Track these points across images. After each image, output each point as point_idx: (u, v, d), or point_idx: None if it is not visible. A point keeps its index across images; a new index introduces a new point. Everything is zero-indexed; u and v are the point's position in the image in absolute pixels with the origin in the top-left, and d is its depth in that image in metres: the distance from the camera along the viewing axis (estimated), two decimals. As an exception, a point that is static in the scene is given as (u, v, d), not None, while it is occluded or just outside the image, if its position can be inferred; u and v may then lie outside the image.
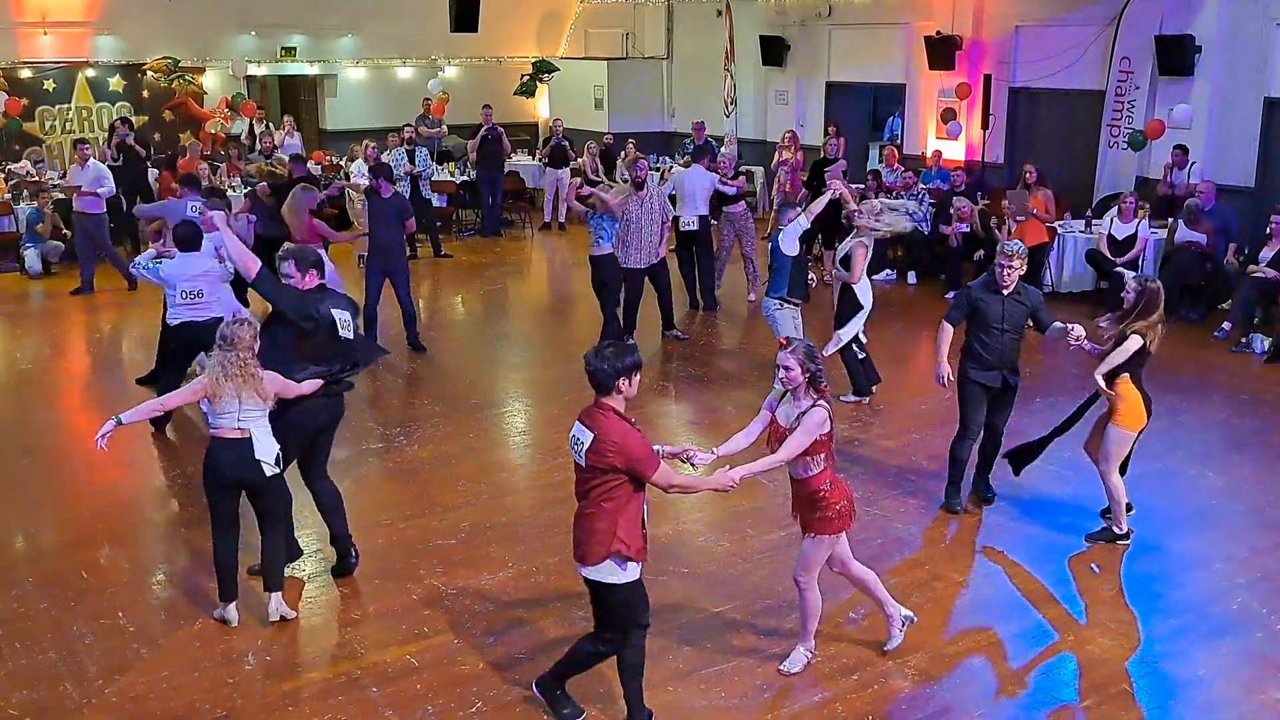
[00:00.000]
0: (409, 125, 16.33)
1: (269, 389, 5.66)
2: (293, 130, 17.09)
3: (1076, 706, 5.24)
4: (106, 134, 15.73)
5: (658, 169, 16.73)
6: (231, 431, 5.55)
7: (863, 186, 14.50)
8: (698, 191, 12.17)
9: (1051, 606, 6.14)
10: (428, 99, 18.24)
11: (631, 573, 4.71)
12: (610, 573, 4.68)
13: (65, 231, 14.38)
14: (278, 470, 5.76)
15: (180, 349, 8.59)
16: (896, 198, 13.85)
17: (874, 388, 9.50)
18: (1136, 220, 12.08)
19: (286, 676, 5.48)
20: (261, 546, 5.93)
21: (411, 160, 15.34)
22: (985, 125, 14.95)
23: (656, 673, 5.34)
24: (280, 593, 5.93)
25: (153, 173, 15.38)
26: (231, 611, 5.86)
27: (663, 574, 6.26)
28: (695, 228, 12.21)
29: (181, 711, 5.17)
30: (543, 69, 19.90)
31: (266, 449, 5.65)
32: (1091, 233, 12.58)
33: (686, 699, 5.22)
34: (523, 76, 20.00)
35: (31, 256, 14.11)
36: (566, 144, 17.23)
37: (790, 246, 8.93)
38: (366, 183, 11.97)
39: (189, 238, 8.34)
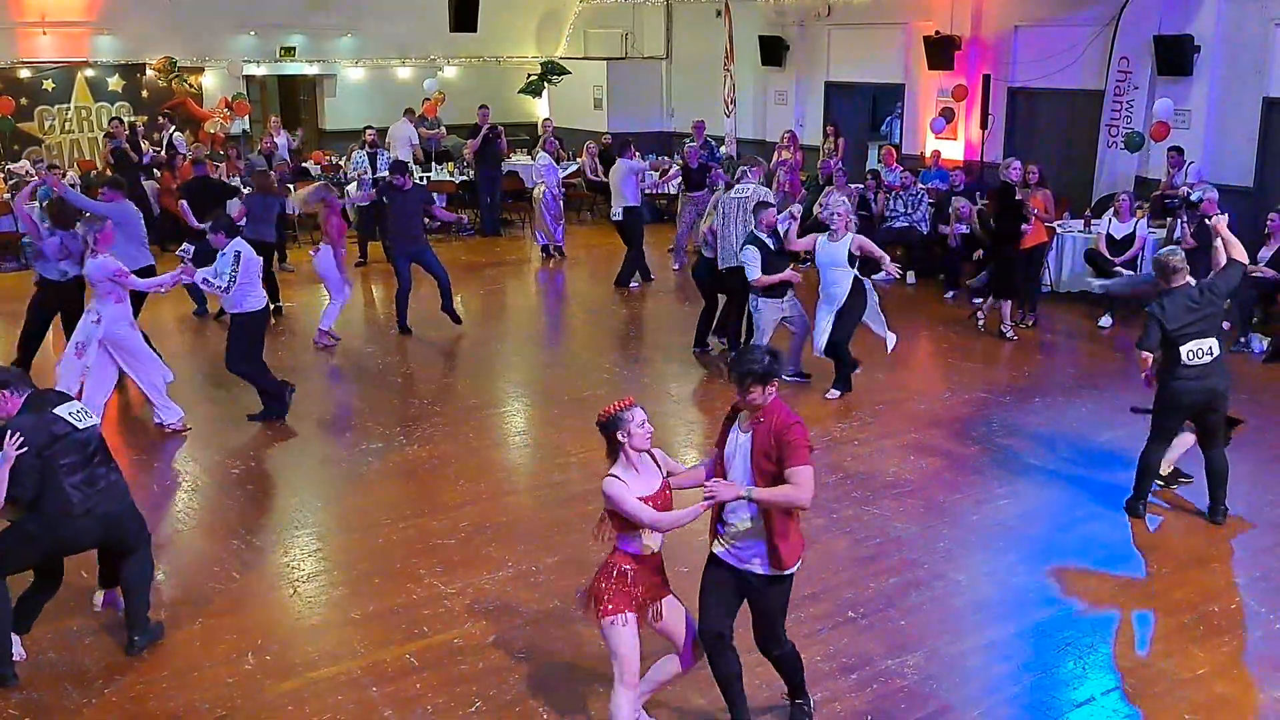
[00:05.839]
0: (370, 128, 16.42)
1: None
2: (279, 129, 17.05)
3: (1076, 706, 5.24)
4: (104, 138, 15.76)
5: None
6: None
7: (862, 186, 14.53)
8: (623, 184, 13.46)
9: (1051, 606, 6.14)
10: (427, 99, 18.23)
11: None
12: None
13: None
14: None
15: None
16: (896, 198, 13.92)
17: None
18: (1134, 220, 12.09)
19: (286, 676, 5.48)
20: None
21: (373, 164, 15.44)
22: (984, 125, 14.96)
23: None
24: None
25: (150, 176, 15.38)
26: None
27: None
28: (620, 219, 13.65)
29: (181, 711, 5.18)
30: (551, 70, 19.85)
31: None
32: (1090, 232, 12.58)
33: (686, 699, 5.22)
34: (529, 76, 20.00)
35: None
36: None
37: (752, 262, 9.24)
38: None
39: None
